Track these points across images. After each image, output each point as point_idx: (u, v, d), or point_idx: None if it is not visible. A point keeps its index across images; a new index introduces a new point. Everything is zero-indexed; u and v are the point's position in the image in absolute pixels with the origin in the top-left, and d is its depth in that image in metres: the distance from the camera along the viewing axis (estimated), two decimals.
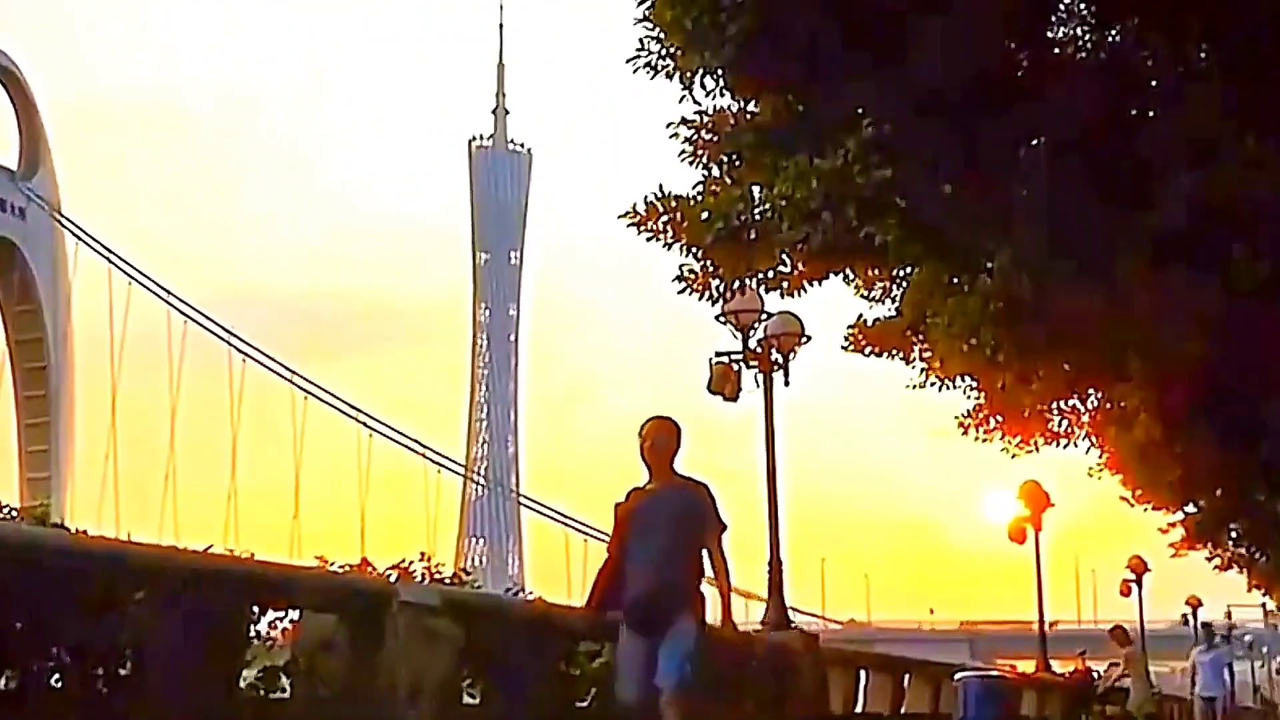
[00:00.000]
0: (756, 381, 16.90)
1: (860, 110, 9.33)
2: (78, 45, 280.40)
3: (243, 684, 8.43)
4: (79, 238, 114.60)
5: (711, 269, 10.71)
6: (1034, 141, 9.62)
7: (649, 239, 10.54)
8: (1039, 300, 11.29)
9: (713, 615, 8.18)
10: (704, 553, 7.99)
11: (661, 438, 8.10)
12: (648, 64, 9.59)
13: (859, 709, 18.57)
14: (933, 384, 14.20)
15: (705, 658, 7.81)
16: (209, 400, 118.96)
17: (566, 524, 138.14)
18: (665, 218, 10.48)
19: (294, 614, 8.92)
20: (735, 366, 16.79)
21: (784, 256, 10.32)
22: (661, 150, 10.73)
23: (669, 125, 10.39)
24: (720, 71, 9.30)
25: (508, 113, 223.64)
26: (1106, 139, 9.29)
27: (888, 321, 13.89)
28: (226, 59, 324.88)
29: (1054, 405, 15.73)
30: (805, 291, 11.19)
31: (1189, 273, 10.40)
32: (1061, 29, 9.89)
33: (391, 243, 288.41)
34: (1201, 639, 23.36)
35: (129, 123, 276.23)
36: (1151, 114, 9.88)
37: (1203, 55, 9.84)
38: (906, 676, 20.76)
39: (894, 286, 13.24)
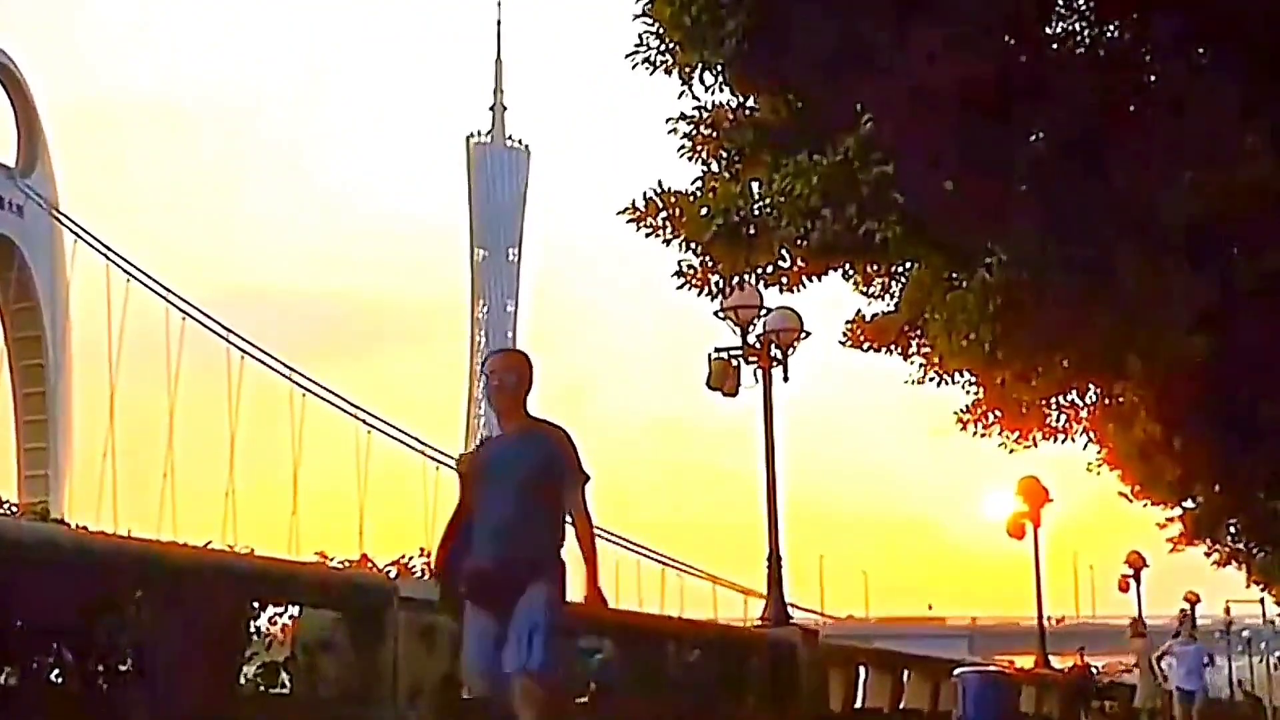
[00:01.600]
0: (755, 377, 16.91)
1: (860, 107, 9.34)
2: (78, 45, 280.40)
3: (242, 680, 8.43)
4: (77, 235, 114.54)
5: (711, 265, 10.72)
6: (1033, 138, 9.63)
7: (648, 235, 10.55)
8: (1038, 297, 11.30)
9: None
10: (565, 511, 6.74)
11: (509, 376, 6.90)
12: (646, 60, 9.59)
13: (858, 705, 18.59)
14: (931, 379, 14.22)
15: (564, 635, 6.75)
16: (207, 398, 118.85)
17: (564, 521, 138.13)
18: (664, 214, 10.49)
19: (294, 610, 8.92)
20: (734, 362, 16.80)
21: (783, 252, 10.33)
22: (660, 146, 10.74)
23: (668, 121, 10.39)
24: (719, 67, 9.30)
25: (505, 109, 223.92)
26: (1106, 136, 9.30)
27: (886, 317, 13.90)
28: (226, 59, 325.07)
29: (1053, 401, 15.74)
30: (804, 287, 11.20)
31: (1189, 270, 10.42)
32: (1061, 25, 9.89)
33: (390, 240, 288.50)
34: (1180, 630, 22.61)
35: (128, 122, 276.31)
36: (1151, 111, 9.89)
37: (1202, 52, 9.85)
38: (906, 673, 20.78)
39: (893, 283, 13.25)
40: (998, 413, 15.52)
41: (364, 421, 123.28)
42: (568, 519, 6.76)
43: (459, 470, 6.91)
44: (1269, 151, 8.92)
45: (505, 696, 6.44)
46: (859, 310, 14.16)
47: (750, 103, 10.19)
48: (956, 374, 14.18)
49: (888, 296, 13.55)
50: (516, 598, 6.48)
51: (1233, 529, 26.22)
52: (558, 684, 6.59)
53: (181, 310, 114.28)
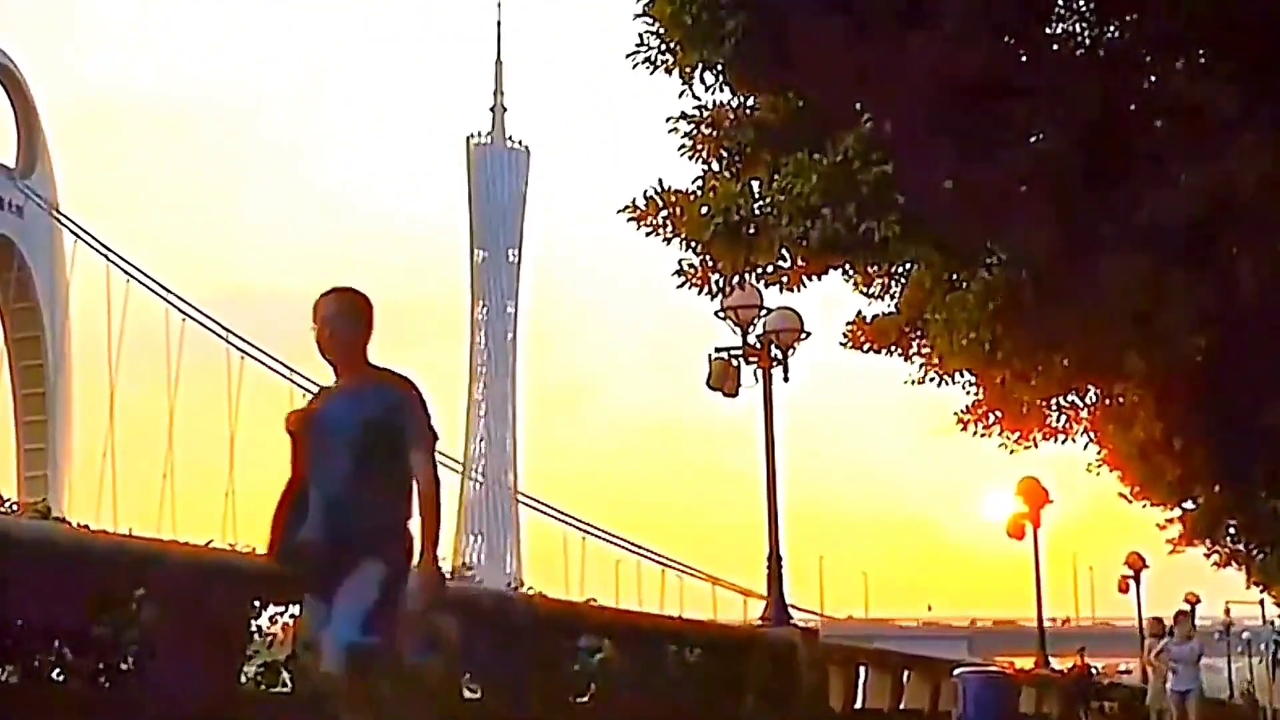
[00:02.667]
0: (756, 377, 16.92)
1: (860, 106, 9.34)
2: (78, 45, 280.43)
3: (243, 679, 8.44)
4: (77, 235, 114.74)
5: (711, 264, 10.71)
6: (1033, 139, 9.64)
7: (648, 234, 10.54)
8: (1038, 297, 11.32)
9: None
10: (410, 475, 5.72)
11: (342, 320, 5.79)
12: (647, 60, 9.59)
13: (858, 705, 18.60)
14: (931, 380, 14.22)
15: (397, 614, 5.70)
16: (207, 398, 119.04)
17: (564, 521, 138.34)
18: (664, 213, 10.48)
19: (294, 609, 8.92)
20: (735, 362, 16.81)
21: (783, 252, 10.32)
22: (660, 146, 10.74)
23: (668, 120, 10.40)
24: (719, 67, 9.31)
25: (505, 110, 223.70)
26: (1105, 136, 9.31)
27: (887, 318, 13.91)
28: (226, 59, 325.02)
29: (1053, 401, 15.75)
30: (804, 287, 11.19)
31: (1188, 270, 10.43)
32: (1060, 25, 9.91)
33: (390, 241, 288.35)
34: (1176, 629, 21.78)
35: (128, 122, 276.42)
36: (1150, 111, 9.90)
37: (1202, 52, 9.86)
38: (906, 673, 20.79)
39: (893, 283, 13.26)
40: (998, 413, 15.52)
41: None
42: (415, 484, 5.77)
43: (287, 429, 5.78)
44: (1267, 151, 8.91)
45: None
46: (859, 311, 14.18)
47: (750, 102, 10.20)
48: (956, 374, 14.19)
49: (888, 297, 13.55)
50: (343, 578, 5.56)
51: (1233, 530, 26.22)
52: (374, 666, 5.60)
53: (181, 310, 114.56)
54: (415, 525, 5.72)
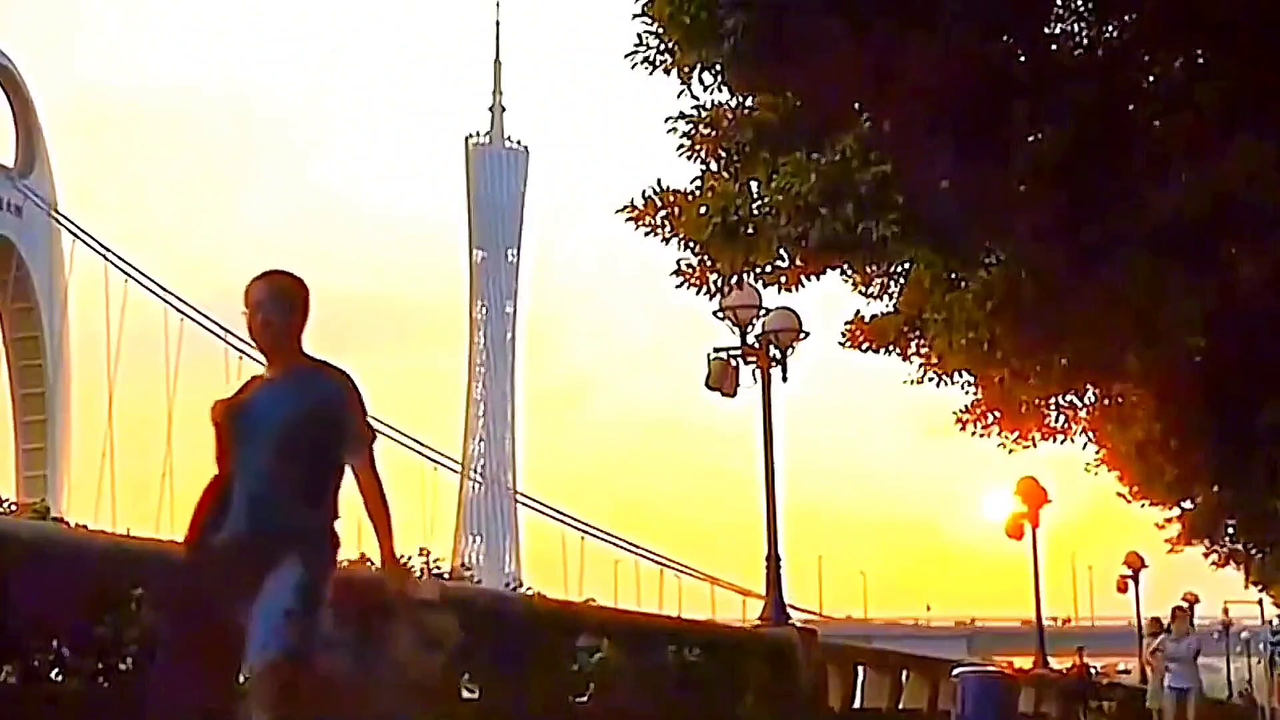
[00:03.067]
0: (754, 377, 16.92)
1: (858, 106, 9.35)
2: (78, 45, 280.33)
3: (242, 679, 8.44)
4: (76, 235, 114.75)
5: (709, 264, 10.72)
6: (1032, 138, 9.65)
7: (647, 234, 10.56)
8: (1037, 296, 11.32)
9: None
10: (339, 473, 5.49)
11: (275, 306, 5.43)
12: (645, 60, 9.59)
13: (857, 705, 18.60)
14: (930, 380, 14.23)
15: (317, 618, 5.40)
16: (206, 397, 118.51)
17: (563, 521, 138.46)
18: (663, 213, 10.49)
19: None
20: (733, 362, 16.80)
21: (782, 251, 10.33)
22: (659, 146, 10.76)
23: (667, 120, 10.41)
24: (718, 67, 9.31)
25: (504, 110, 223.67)
26: (1105, 135, 9.32)
27: (885, 317, 13.91)
28: (225, 59, 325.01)
29: (1051, 401, 15.77)
30: (803, 287, 11.21)
31: (1188, 270, 10.44)
32: (1059, 26, 9.91)
33: (388, 241, 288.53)
34: (1172, 626, 21.01)
35: (127, 122, 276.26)
36: (1149, 111, 9.91)
37: (1200, 52, 9.87)
38: (904, 673, 20.80)
39: (891, 282, 13.26)
40: (996, 413, 15.54)
41: None
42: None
43: (212, 419, 5.45)
44: (1262, 150, 8.93)
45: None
46: (858, 311, 14.18)
47: (749, 102, 10.21)
48: (955, 374, 14.20)
49: (886, 297, 13.56)
50: (265, 579, 5.22)
51: (1231, 529, 26.24)
52: (299, 673, 5.25)
53: (180, 310, 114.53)
54: (341, 527, 5.49)
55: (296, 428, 5.30)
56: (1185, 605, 24.38)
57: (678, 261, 10.75)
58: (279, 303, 5.43)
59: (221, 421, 5.42)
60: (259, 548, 5.24)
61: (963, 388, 14.87)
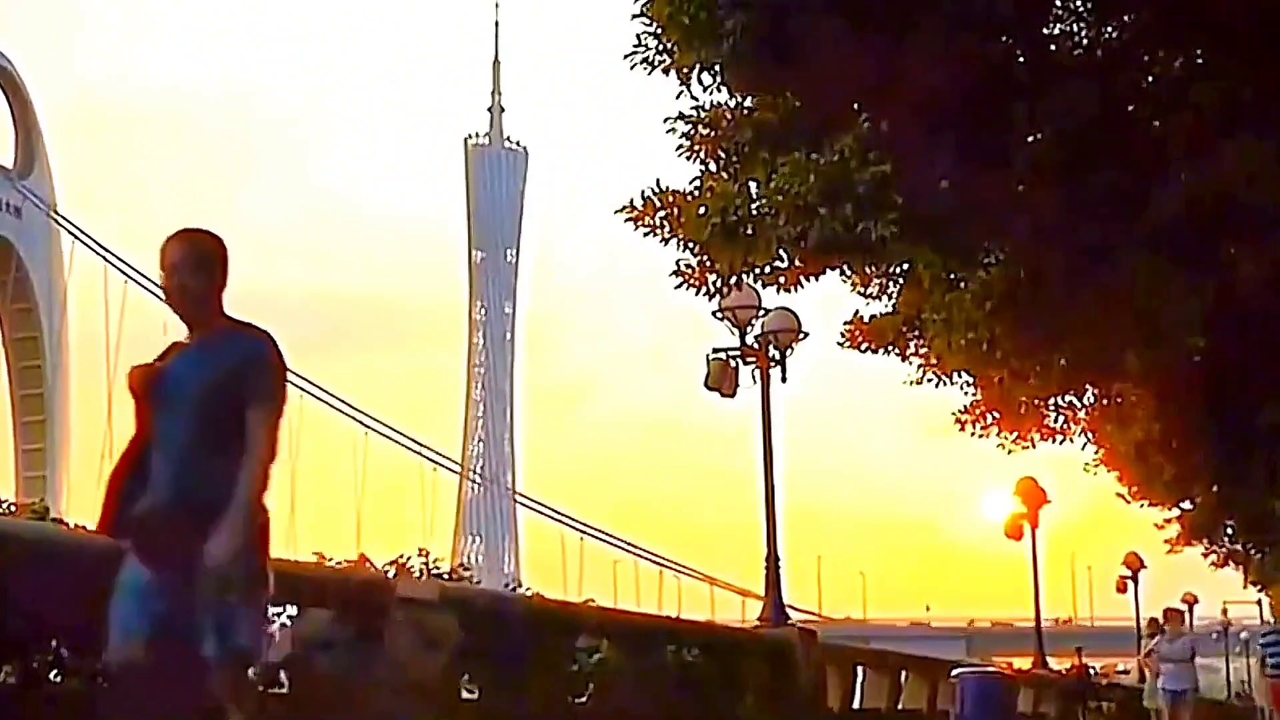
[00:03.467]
0: (754, 378, 16.92)
1: (857, 106, 9.35)
2: (77, 45, 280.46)
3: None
4: (75, 236, 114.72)
5: (708, 264, 10.71)
6: (1031, 138, 9.65)
7: (646, 234, 10.55)
8: (1036, 296, 11.32)
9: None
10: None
11: (191, 268, 5.09)
12: (644, 60, 9.59)
13: (856, 705, 18.60)
14: (930, 380, 14.23)
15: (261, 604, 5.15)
16: None
17: (562, 521, 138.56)
18: (662, 213, 10.48)
19: (292, 610, 8.93)
20: (733, 363, 16.80)
21: (781, 252, 10.32)
22: (658, 146, 10.76)
23: (666, 121, 10.41)
24: (717, 67, 9.31)
25: (504, 110, 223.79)
26: (1103, 136, 9.31)
27: (884, 318, 13.91)
28: (224, 59, 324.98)
29: (1051, 401, 15.77)
30: (802, 287, 11.20)
31: (1188, 270, 10.43)
32: (1058, 25, 9.91)
33: (387, 241, 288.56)
34: (1166, 626, 20.64)
35: (127, 122, 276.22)
36: (1149, 111, 9.91)
37: (1199, 51, 9.87)
38: (903, 673, 20.79)
39: (890, 283, 13.26)
40: (996, 413, 15.54)
41: (361, 422, 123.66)
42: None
43: (129, 388, 5.10)
44: (1263, 150, 8.93)
45: (146, 665, 4.92)
46: (857, 311, 14.18)
47: (748, 102, 10.20)
48: (954, 374, 14.20)
49: (885, 297, 13.56)
50: (189, 555, 4.79)
51: (1230, 529, 26.25)
52: (249, 667, 5.00)
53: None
54: (272, 502, 5.12)
55: (216, 393, 4.95)
56: (1178, 607, 24.25)
57: (677, 262, 10.74)
58: (196, 265, 5.10)
59: (138, 390, 5.08)
60: (182, 520, 4.86)
61: (962, 388, 14.88)
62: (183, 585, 4.81)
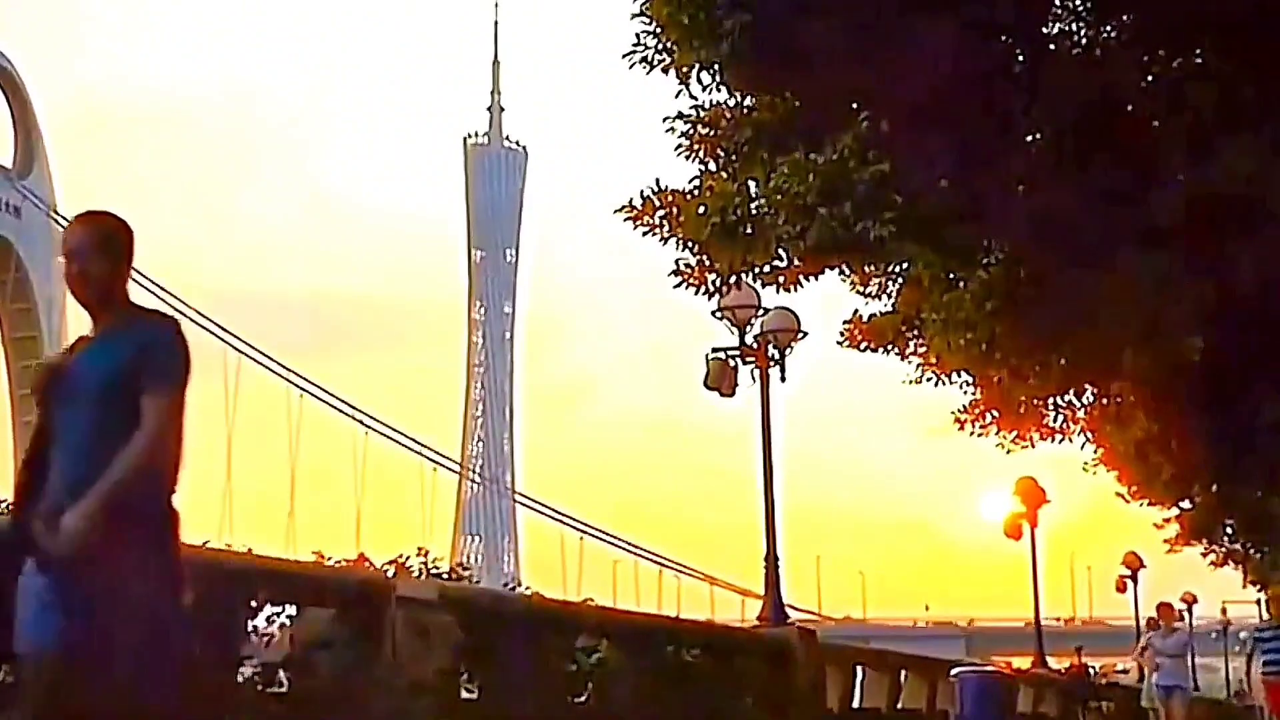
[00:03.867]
0: (753, 377, 16.91)
1: (857, 105, 9.35)
2: (77, 45, 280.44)
3: (240, 679, 8.44)
4: None
5: (707, 264, 10.72)
6: (1030, 138, 9.65)
7: (645, 233, 10.55)
8: (1035, 296, 11.32)
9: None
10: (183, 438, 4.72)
11: (94, 253, 4.78)
12: (644, 59, 9.60)
13: (855, 705, 18.59)
14: (929, 379, 14.24)
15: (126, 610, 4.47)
16: (204, 398, 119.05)
17: (562, 521, 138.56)
18: (661, 212, 10.49)
19: (291, 610, 8.93)
20: (732, 362, 16.80)
21: (780, 251, 10.33)
22: (658, 146, 10.76)
23: (665, 120, 10.41)
24: (716, 66, 9.32)
25: (503, 110, 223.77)
26: (1102, 136, 9.32)
27: (884, 317, 13.92)
28: (224, 59, 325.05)
29: (1050, 401, 15.77)
30: (801, 287, 11.21)
31: (1187, 270, 10.43)
32: (1058, 25, 9.91)
33: (387, 241, 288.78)
34: (1161, 623, 20.50)
35: (127, 123, 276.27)
36: (1148, 111, 9.91)
37: (1199, 53, 9.87)
38: (903, 673, 20.78)
39: (890, 282, 13.27)
40: (995, 413, 15.54)
41: (361, 422, 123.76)
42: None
43: (32, 389, 4.89)
44: (1263, 150, 8.93)
45: (53, 674, 4.52)
46: (856, 310, 14.19)
47: (747, 102, 10.21)
48: (954, 374, 14.21)
49: (885, 296, 13.57)
50: (91, 557, 4.47)
51: (1230, 529, 26.27)
52: (72, 670, 4.46)
53: (180, 311, 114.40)
54: (180, 501, 4.71)
55: (116, 384, 4.63)
56: (1172, 603, 24.17)
57: (676, 261, 10.75)
58: (99, 249, 4.79)
59: (41, 388, 4.86)
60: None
61: (961, 387, 14.89)
62: (83, 591, 4.46)
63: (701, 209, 10.33)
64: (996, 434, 15.84)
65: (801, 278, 11.09)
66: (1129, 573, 41.06)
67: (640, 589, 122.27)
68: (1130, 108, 9.77)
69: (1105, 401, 16.40)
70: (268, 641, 8.84)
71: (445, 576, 11.30)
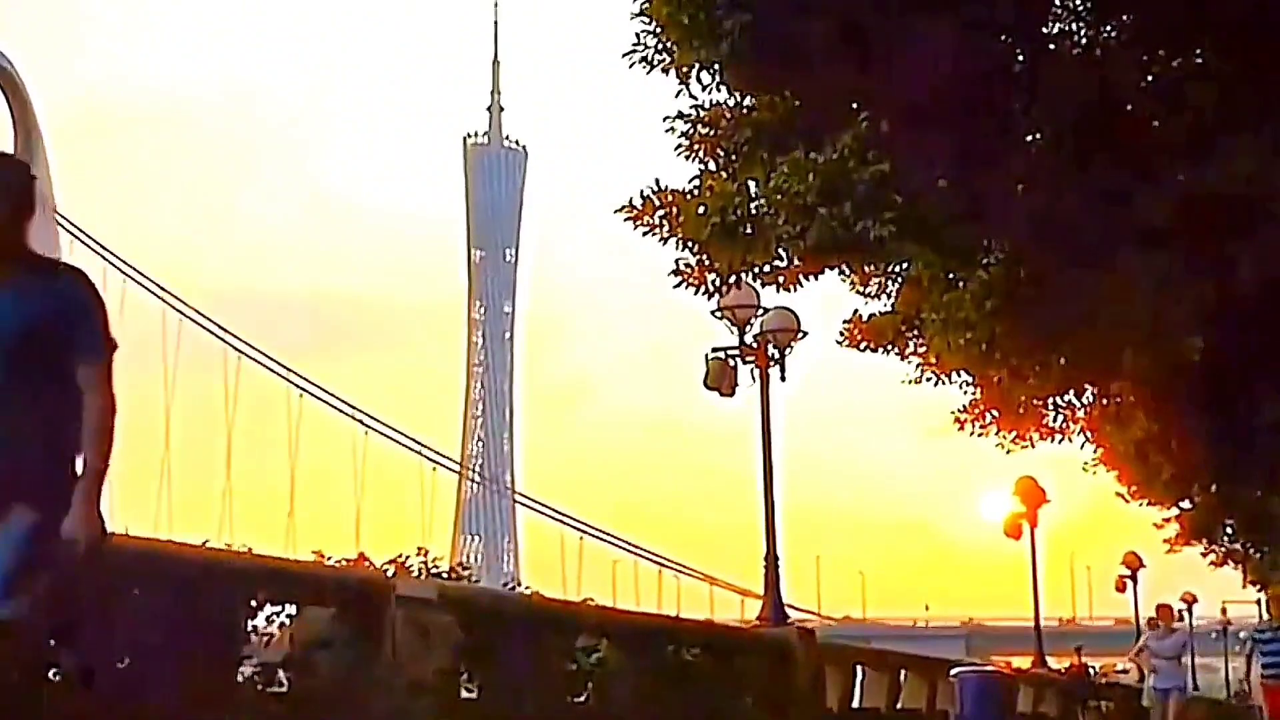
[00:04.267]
0: (753, 377, 16.92)
1: (856, 105, 9.35)
2: (78, 45, 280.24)
3: (240, 679, 8.44)
4: (74, 236, 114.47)
5: (707, 264, 10.72)
6: (1030, 138, 9.65)
7: (645, 233, 10.56)
8: (1035, 295, 11.33)
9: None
10: (79, 397, 4.42)
11: None
12: (644, 59, 9.61)
13: (855, 705, 18.59)
14: (929, 379, 14.25)
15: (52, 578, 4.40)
16: (204, 398, 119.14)
17: (562, 521, 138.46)
18: (661, 212, 10.50)
19: (291, 609, 8.93)
20: (732, 362, 16.80)
21: (780, 251, 10.33)
22: (658, 145, 10.77)
23: (665, 120, 10.42)
24: (716, 66, 9.32)
25: (503, 110, 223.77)
26: (1102, 135, 9.32)
27: (883, 317, 13.93)
28: (224, 59, 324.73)
29: (1049, 401, 15.77)
30: (801, 286, 11.21)
31: (1187, 270, 10.43)
32: (1058, 25, 9.92)
33: (387, 241, 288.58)
34: (1159, 623, 20.54)
35: (127, 123, 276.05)
36: (1147, 111, 9.91)
37: (1199, 53, 9.88)
38: (902, 673, 20.78)
39: (889, 282, 13.28)
40: (995, 412, 15.54)
41: (360, 422, 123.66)
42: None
43: None
44: (1263, 150, 8.93)
45: None
46: (856, 310, 14.20)
47: (747, 101, 10.21)
48: (953, 374, 14.21)
49: (884, 296, 13.58)
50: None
51: (1230, 529, 26.27)
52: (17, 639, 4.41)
53: (178, 310, 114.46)
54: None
55: (26, 343, 4.38)
56: (1169, 602, 24.20)
57: (676, 261, 10.75)
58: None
59: None
60: None
61: (961, 387, 14.90)
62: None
63: (701, 209, 10.33)
64: (996, 434, 15.84)
65: (801, 278, 11.09)
66: (1129, 572, 41.06)
67: (640, 589, 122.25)
68: (1130, 108, 9.77)
69: (1105, 401, 16.41)
70: (267, 641, 8.84)
71: (445, 576, 11.29)
